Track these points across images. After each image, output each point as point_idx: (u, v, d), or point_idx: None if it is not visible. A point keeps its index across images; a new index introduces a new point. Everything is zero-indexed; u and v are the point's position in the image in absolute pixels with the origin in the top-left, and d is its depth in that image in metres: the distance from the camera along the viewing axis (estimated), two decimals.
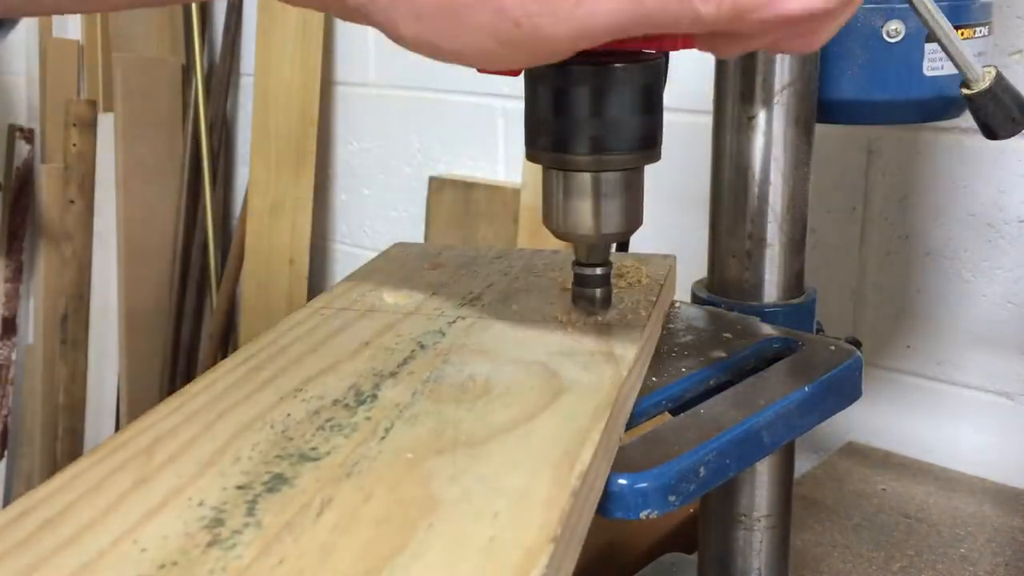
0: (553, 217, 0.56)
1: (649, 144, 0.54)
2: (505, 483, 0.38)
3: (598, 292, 0.58)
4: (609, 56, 0.51)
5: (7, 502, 1.85)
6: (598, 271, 0.57)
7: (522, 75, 0.52)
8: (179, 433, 0.43)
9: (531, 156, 0.55)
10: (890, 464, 1.03)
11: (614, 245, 0.60)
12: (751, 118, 0.65)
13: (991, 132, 0.58)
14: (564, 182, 0.55)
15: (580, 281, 0.58)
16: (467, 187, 1.40)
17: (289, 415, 0.44)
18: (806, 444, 1.12)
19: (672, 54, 0.62)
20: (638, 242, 0.80)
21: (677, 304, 0.66)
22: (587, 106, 0.52)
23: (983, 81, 0.56)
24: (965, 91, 0.57)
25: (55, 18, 1.95)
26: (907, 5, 0.58)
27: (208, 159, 1.72)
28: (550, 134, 0.53)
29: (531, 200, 1.30)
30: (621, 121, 0.52)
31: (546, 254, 0.70)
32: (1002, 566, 0.83)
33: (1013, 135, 0.59)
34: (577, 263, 0.58)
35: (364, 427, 0.43)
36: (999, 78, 0.57)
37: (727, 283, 0.68)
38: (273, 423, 0.43)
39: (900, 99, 0.66)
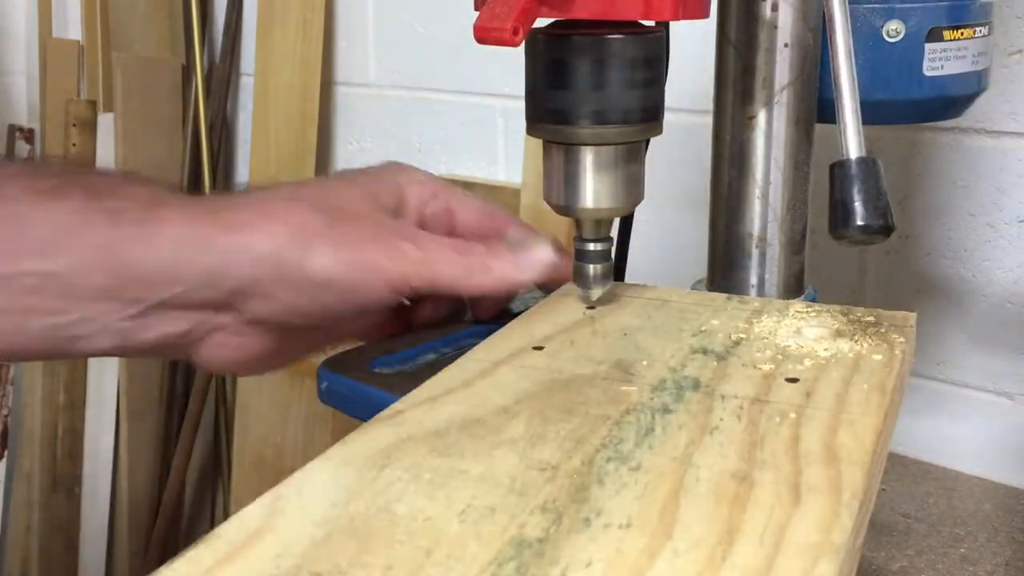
0: (553, 192, 0.56)
1: (650, 117, 0.54)
2: None
3: (598, 268, 0.58)
4: (608, 28, 0.51)
5: (7, 502, 1.85)
6: (598, 246, 0.57)
7: (523, 47, 0.52)
8: None
9: (531, 130, 0.55)
10: (890, 464, 1.03)
11: (616, 220, 0.60)
12: (751, 118, 0.65)
13: (832, 222, 0.53)
14: (563, 156, 0.54)
15: (580, 256, 0.58)
16: (467, 187, 1.40)
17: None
18: None
19: (672, 53, 0.62)
20: (638, 243, 0.80)
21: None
22: (586, 78, 0.52)
23: (849, 154, 0.53)
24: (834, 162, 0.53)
25: (55, 18, 1.95)
26: (908, 5, 0.58)
27: (208, 159, 1.72)
28: (549, 107, 0.53)
29: (531, 200, 1.30)
30: (620, 94, 0.52)
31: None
32: (1002, 566, 0.83)
33: (848, 239, 0.53)
34: (577, 238, 0.58)
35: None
36: (870, 164, 0.53)
37: (727, 283, 0.68)
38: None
39: (900, 99, 0.66)
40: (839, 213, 0.53)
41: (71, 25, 1.92)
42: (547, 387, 0.47)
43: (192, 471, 1.78)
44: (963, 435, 1.03)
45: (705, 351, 0.51)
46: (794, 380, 0.47)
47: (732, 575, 0.33)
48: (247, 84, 1.72)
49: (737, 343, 0.52)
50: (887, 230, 0.53)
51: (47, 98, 1.89)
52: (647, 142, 0.57)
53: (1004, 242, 0.97)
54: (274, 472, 1.43)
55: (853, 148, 0.54)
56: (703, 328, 0.55)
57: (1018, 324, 0.97)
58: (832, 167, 0.54)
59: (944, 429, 1.04)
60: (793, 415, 0.44)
